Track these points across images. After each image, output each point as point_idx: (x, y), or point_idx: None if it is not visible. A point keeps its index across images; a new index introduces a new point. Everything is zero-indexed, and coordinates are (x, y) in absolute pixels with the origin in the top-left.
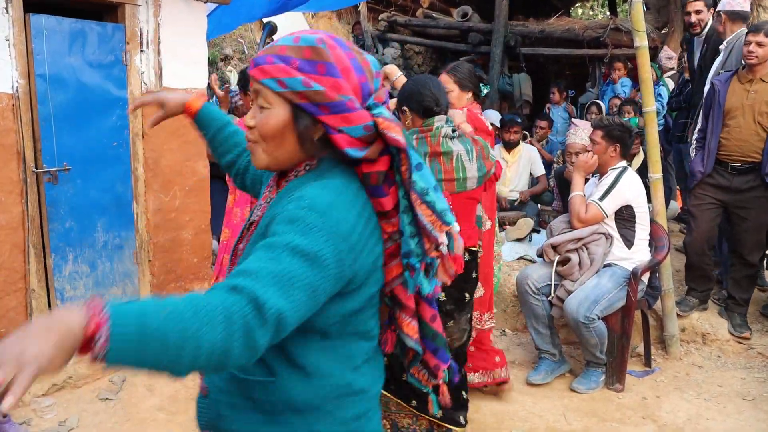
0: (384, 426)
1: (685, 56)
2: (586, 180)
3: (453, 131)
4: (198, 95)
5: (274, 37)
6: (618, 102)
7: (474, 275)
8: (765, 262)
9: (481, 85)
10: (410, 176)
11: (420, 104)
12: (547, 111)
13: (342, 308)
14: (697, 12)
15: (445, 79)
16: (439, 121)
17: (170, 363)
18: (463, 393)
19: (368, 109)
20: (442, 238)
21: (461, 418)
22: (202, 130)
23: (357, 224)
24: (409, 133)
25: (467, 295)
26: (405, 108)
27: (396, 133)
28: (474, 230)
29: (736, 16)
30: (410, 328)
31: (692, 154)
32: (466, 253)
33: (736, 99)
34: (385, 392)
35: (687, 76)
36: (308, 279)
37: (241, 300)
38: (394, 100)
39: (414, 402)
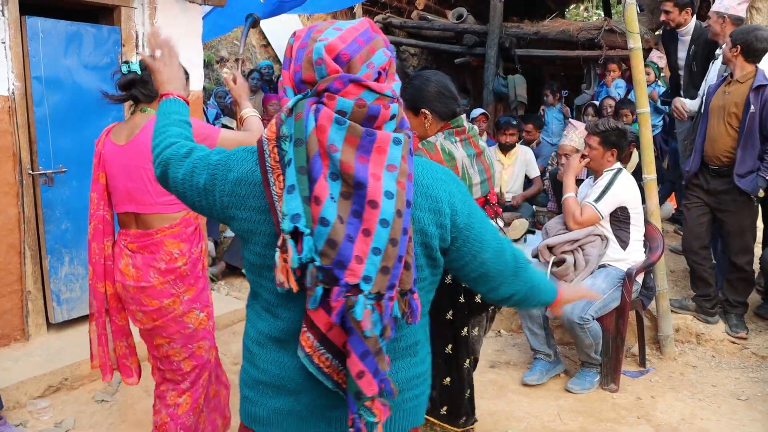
0: None
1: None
2: (580, 181)
3: None
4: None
5: (266, 33)
6: (611, 103)
7: None
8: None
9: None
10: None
11: (447, 107)
12: (542, 113)
13: None
14: (666, 12)
15: None
16: (464, 121)
17: None
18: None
19: (305, 96)
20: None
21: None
22: None
23: None
24: (445, 136)
25: None
26: (425, 110)
27: (269, 129)
28: None
29: (739, 22)
30: None
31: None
32: None
33: (716, 101)
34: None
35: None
36: None
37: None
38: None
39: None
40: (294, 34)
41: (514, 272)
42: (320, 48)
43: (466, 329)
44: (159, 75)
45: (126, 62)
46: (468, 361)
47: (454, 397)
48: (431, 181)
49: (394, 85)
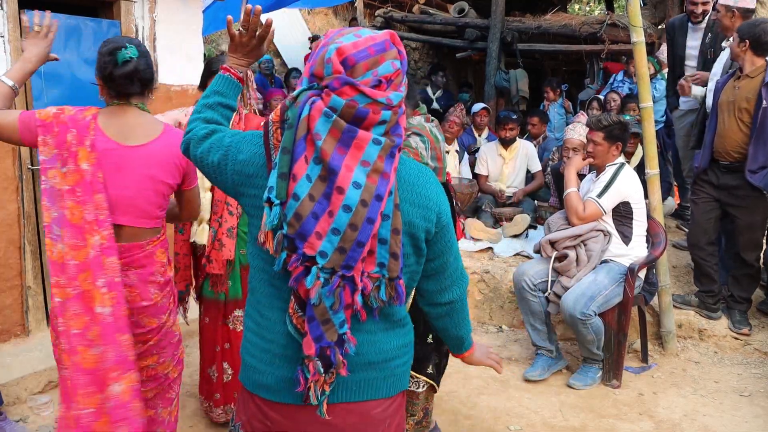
0: (417, 419)
1: (665, 44)
2: (582, 176)
3: None
4: None
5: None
6: (615, 97)
7: None
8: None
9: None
10: None
11: (413, 95)
12: (546, 109)
13: None
14: (704, 3)
15: None
16: (425, 109)
17: None
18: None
19: (310, 87)
20: None
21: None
22: None
23: None
24: (424, 120)
25: None
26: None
27: (274, 112)
28: None
29: (749, 14)
30: None
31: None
32: None
33: (726, 96)
34: (424, 378)
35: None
36: None
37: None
38: None
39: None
40: (326, 33)
41: (459, 281)
42: (332, 49)
43: None
44: (240, 46)
45: (121, 48)
46: None
47: (439, 355)
48: (421, 181)
49: (393, 95)
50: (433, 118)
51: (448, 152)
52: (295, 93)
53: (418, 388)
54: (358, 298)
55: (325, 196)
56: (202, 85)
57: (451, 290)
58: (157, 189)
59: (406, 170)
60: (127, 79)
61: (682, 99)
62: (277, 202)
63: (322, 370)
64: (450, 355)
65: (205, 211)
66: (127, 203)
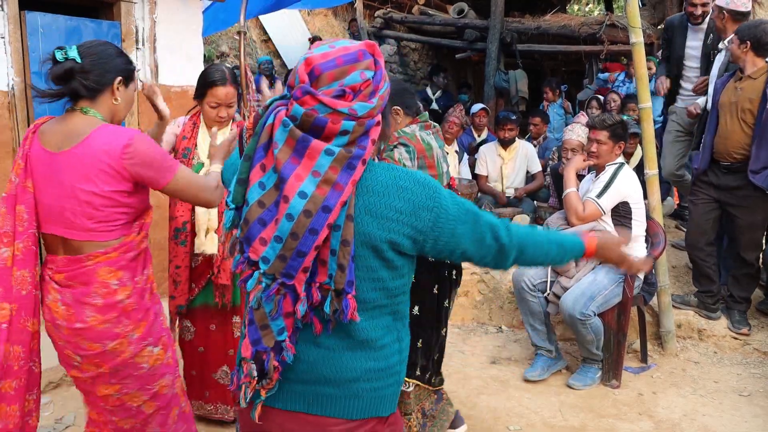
0: (416, 417)
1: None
2: (581, 176)
3: None
4: None
5: (266, 29)
6: (615, 97)
7: None
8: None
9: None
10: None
11: (414, 103)
12: (545, 109)
13: None
14: (704, 4)
15: None
16: (427, 117)
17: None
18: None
19: (282, 97)
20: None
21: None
22: None
23: None
24: (420, 128)
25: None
26: (397, 107)
27: (248, 120)
28: None
29: (740, 17)
30: None
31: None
32: None
33: (727, 97)
34: (412, 380)
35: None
36: None
37: None
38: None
39: (427, 375)
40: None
41: (499, 252)
42: (301, 60)
43: (446, 301)
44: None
45: (60, 48)
46: (444, 330)
47: (426, 358)
48: (393, 191)
49: (358, 105)
50: (435, 124)
51: (447, 153)
52: (267, 102)
53: (407, 388)
54: (300, 308)
55: (275, 204)
56: (198, 95)
57: (499, 262)
58: (80, 198)
59: (378, 180)
60: (58, 80)
61: (679, 97)
62: (232, 206)
63: (255, 374)
64: (443, 356)
65: (213, 220)
66: (57, 213)
